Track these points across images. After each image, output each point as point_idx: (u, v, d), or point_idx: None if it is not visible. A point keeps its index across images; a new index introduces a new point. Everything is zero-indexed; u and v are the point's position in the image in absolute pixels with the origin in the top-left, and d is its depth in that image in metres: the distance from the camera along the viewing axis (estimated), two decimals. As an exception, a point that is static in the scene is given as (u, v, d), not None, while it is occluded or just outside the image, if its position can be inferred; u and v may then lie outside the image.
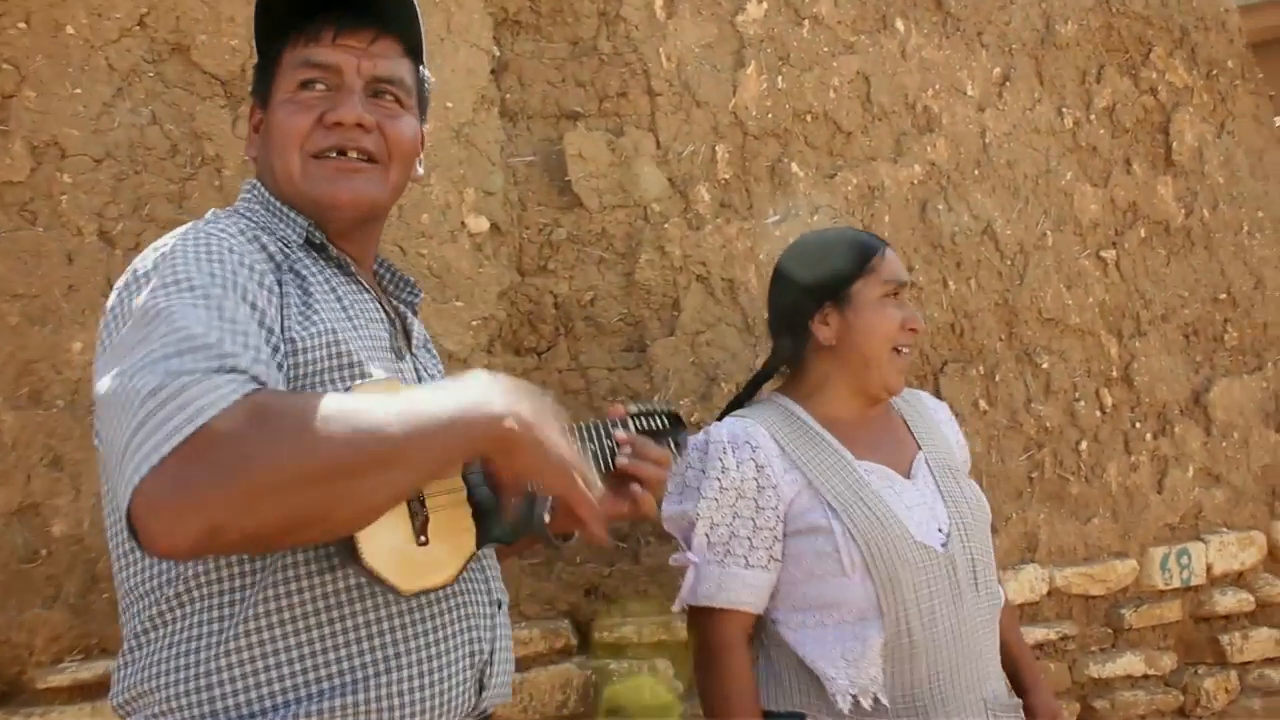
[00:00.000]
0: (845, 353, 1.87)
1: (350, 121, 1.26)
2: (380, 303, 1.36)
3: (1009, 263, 2.85)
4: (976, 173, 2.83)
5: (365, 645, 1.18)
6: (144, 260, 1.18)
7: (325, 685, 1.16)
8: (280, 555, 1.16)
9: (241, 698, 1.14)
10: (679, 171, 2.46)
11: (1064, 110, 3.01)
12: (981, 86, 2.88)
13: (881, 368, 1.86)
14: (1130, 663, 2.79)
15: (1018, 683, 2.00)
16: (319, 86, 1.28)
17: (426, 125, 1.40)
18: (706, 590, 1.81)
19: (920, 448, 1.94)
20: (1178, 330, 3.10)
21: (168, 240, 1.20)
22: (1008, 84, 2.93)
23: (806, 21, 2.65)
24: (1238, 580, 3.04)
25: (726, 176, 2.52)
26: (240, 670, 1.14)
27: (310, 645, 1.16)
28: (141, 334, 1.07)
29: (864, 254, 1.89)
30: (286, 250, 1.26)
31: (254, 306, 1.14)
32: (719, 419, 1.96)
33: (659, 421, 1.52)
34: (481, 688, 1.28)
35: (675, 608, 1.87)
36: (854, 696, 1.74)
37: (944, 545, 1.82)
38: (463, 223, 2.27)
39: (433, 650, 1.21)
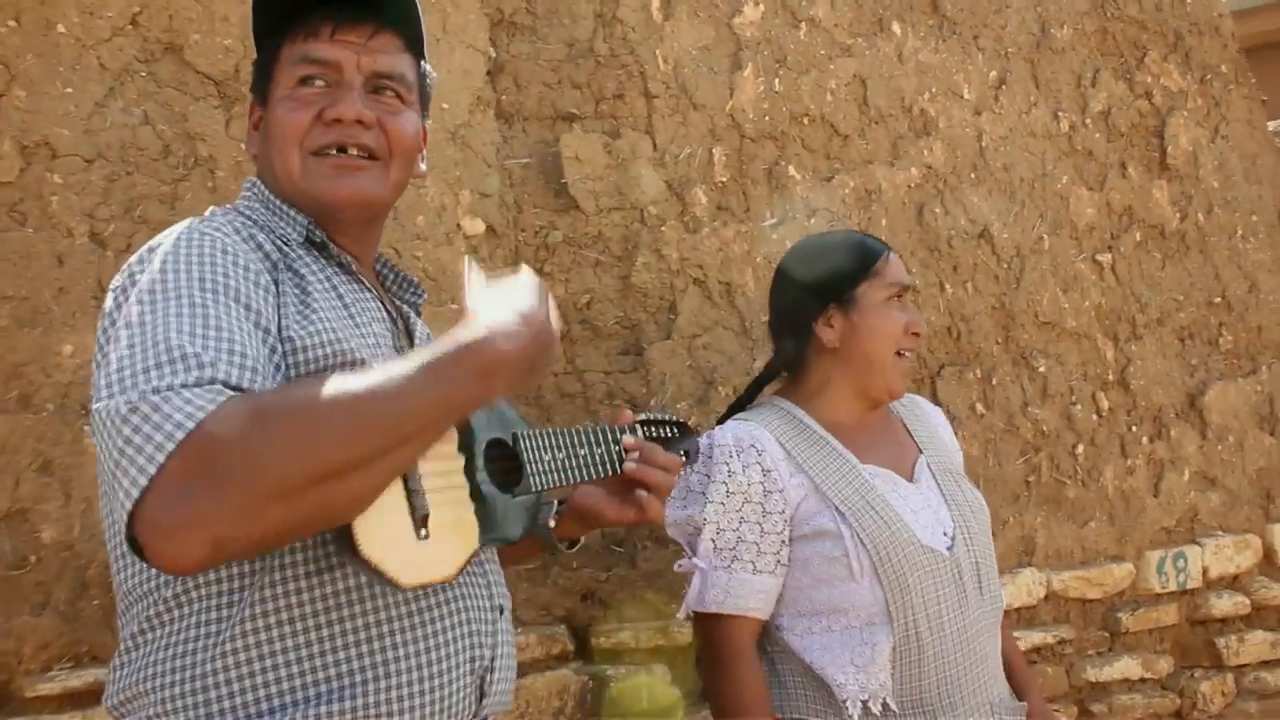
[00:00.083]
0: (849, 355, 1.86)
1: (350, 118, 1.24)
2: (382, 302, 1.34)
3: (1005, 266, 2.84)
4: (973, 176, 2.83)
5: (364, 649, 1.16)
6: (137, 261, 1.17)
7: (323, 689, 1.14)
8: (277, 556, 1.14)
9: (238, 700, 1.12)
10: (676, 174, 2.45)
11: (1060, 114, 3.01)
12: (978, 90, 2.88)
13: (885, 371, 1.85)
14: (1127, 666, 2.78)
15: (1012, 688, 1.99)
16: (318, 83, 1.26)
17: (428, 122, 1.38)
18: (714, 596, 1.79)
19: (921, 451, 1.94)
20: (1173, 334, 3.11)
21: (161, 240, 1.18)
22: (1004, 87, 2.93)
23: (803, 24, 2.64)
24: (1233, 583, 3.04)
25: (723, 179, 2.50)
26: (237, 672, 1.13)
27: (308, 648, 1.14)
28: (123, 344, 1.06)
29: (868, 257, 1.88)
30: (284, 249, 1.24)
31: (249, 308, 1.12)
32: (719, 422, 1.95)
33: (669, 430, 1.50)
34: (482, 694, 1.26)
35: (681, 614, 1.85)
36: (863, 702, 1.72)
37: (949, 549, 1.81)
38: (458, 225, 2.25)
39: (433, 655, 1.19)
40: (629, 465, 1.37)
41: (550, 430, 1.32)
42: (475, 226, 2.27)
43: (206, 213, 1.26)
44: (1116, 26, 3.16)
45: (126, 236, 1.90)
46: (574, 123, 2.41)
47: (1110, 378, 2.96)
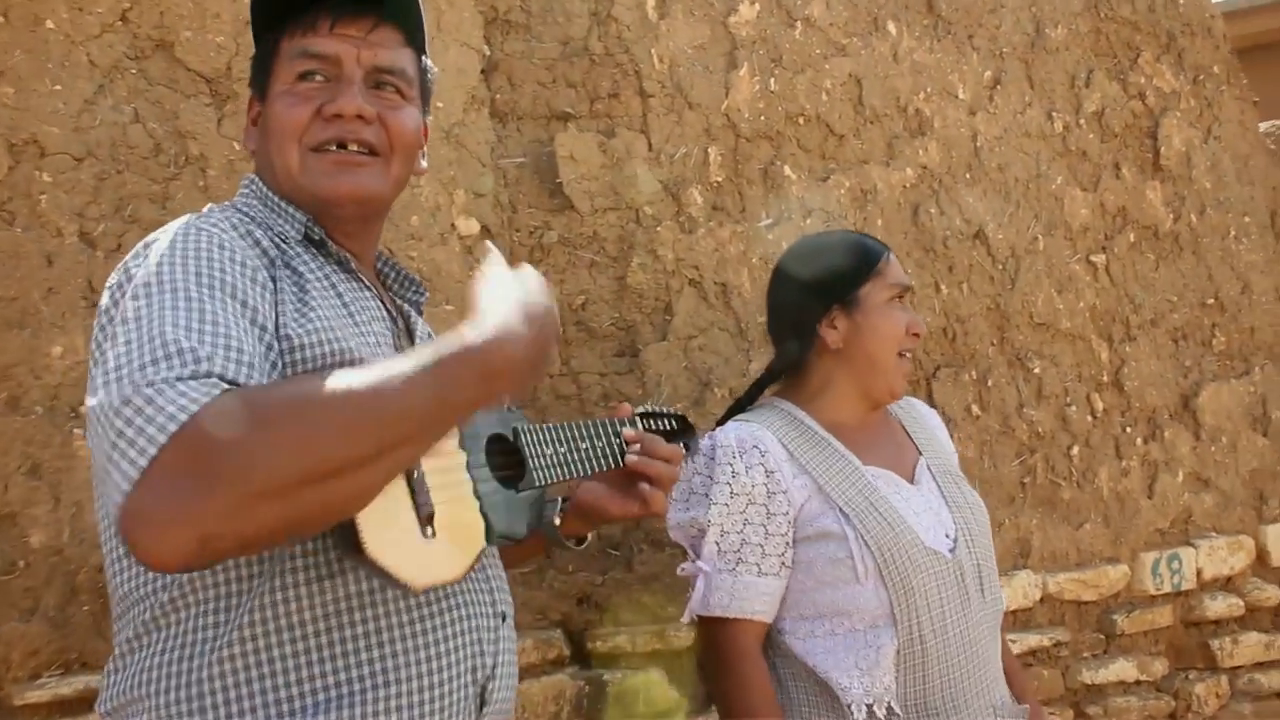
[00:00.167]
0: (853, 357, 1.85)
1: (350, 113, 1.22)
2: (382, 300, 1.32)
3: (1000, 267, 2.84)
4: (968, 176, 2.82)
5: (364, 656, 1.14)
6: (134, 257, 1.15)
7: (321, 697, 1.11)
8: (278, 561, 1.12)
9: (234, 707, 1.10)
10: (671, 174, 2.43)
11: (1054, 114, 3.01)
12: (973, 90, 2.87)
13: (888, 372, 1.84)
14: (1123, 669, 2.78)
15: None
16: (317, 77, 1.24)
17: (429, 118, 1.36)
18: (719, 600, 1.78)
19: (921, 453, 1.93)
20: (1167, 335, 3.11)
21: (158, 236, 1.16)
22: (998, 87, 2.93)
23: (799, 23, 2.63)
24: (1227, 585, 3.04)
25: (719, 179, 2.49)
26: (233, 679, 1.10)
27: (306, 655, 1.12)
28: (119, 340, 1.04)
29: (870, 257, 1.87)
30: (282, 246, 1.22)
31: (245, 304, 1.10)
32: (719, 423, 1.93)
33: (667, 423, 1.48)
34: (483, 703, 1.24)
35: (685, 619, 1.84)
36: (868, 706, 1.71)
37: (952, 551, 1.80)
38: (453, 225, 2.23)
39: (433, 664, 1.17)
40: (631, 458, 1.35)
41: (550, 424, 1.31)
42: (470, 226, 2.24)
43: (204, 209, 1.24)
44: (1110, 27, 3.16)
45: (117, 236, 1.87)
46: (569, 122, 2.39)
47: (1105, 379, 2.96)
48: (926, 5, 2.84)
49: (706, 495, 1.81)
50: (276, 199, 1.26)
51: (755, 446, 1.80)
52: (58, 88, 1.84)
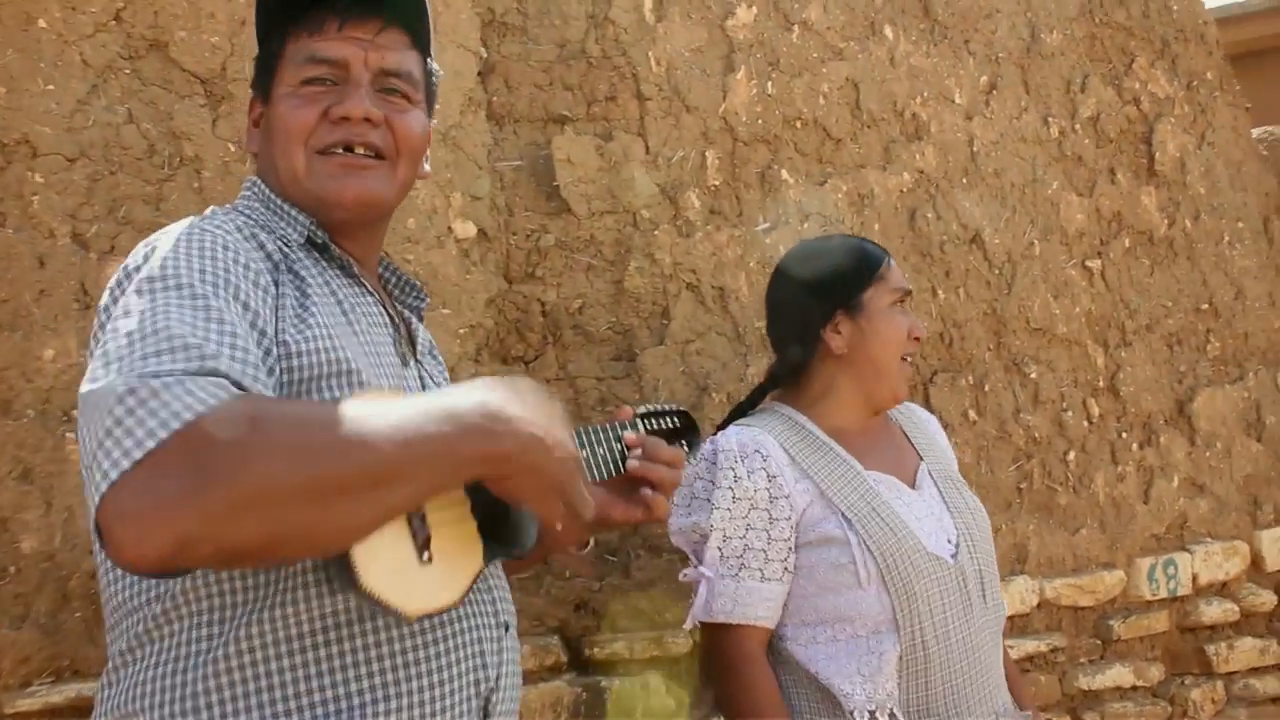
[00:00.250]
0: (857, 361, 1.84)
1: (358, 116, 1.21)
2: (384, 306, 1.30)
3: (997, 272, 2.83)
4: (965, 181, 2.82)
5: (363, 670, 1.11)
6: (135, 257, 1.13)
7: (320, 712, 1.09)
8: (276, 571, 1.09)
9: None
10: (669, 177, 2.42)
11: (1049, 119, 3.01)
12: (969, 94, 2.87)
13: (892, 376, 1.84)
14: (1119, 674, 2.78)
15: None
16: (325, 80, 1.23)
17: (433, 122, 1.34)
18: (722, 606, 1.76)
19: (922, 458, 1.92)
20: (1162, 340, 3.11)
21: (161, 236, 1.14)
22: (994, 92, 2.93)
23: (796, 27, 2.62)
24: (1222, 590, 3.04)
25: (716, 183, 2.48)
26: (230, 693, 1.08)
27: (305, 669, 1.10)
28: (122, 333, 1.01)
29: (872, 262, 1.87)
30: (286, 249, 1.20)
31: (246, 307, 1.08)
32: (720, 428, 1.92)
33: (669, 421, 1.46)
34: (486, 715, 1.22)
35: (688, 625, 1.82)
36: (870, 712, 1.70)
37: (954, 556, 1.79)
38: (449, 228, 2.21)
39: (435, 677, 1.15)
40: (632, 463, 1.33)
41: None
42: (466, 230, 2.23)
43: (207, 211, 1.22)
44: (1105, 33, 3.16)
45: (110, 238, 1.85)
46: (566, 125, 2.38)
47: (1100, 384, 2.96)
48: (923, 10, 2.84)
49: (708, 500, 1.79)
50: (279, 201, 1.24)
51: (757, 451, 1.79)
52: (50, 87, 1.82)
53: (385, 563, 1.04)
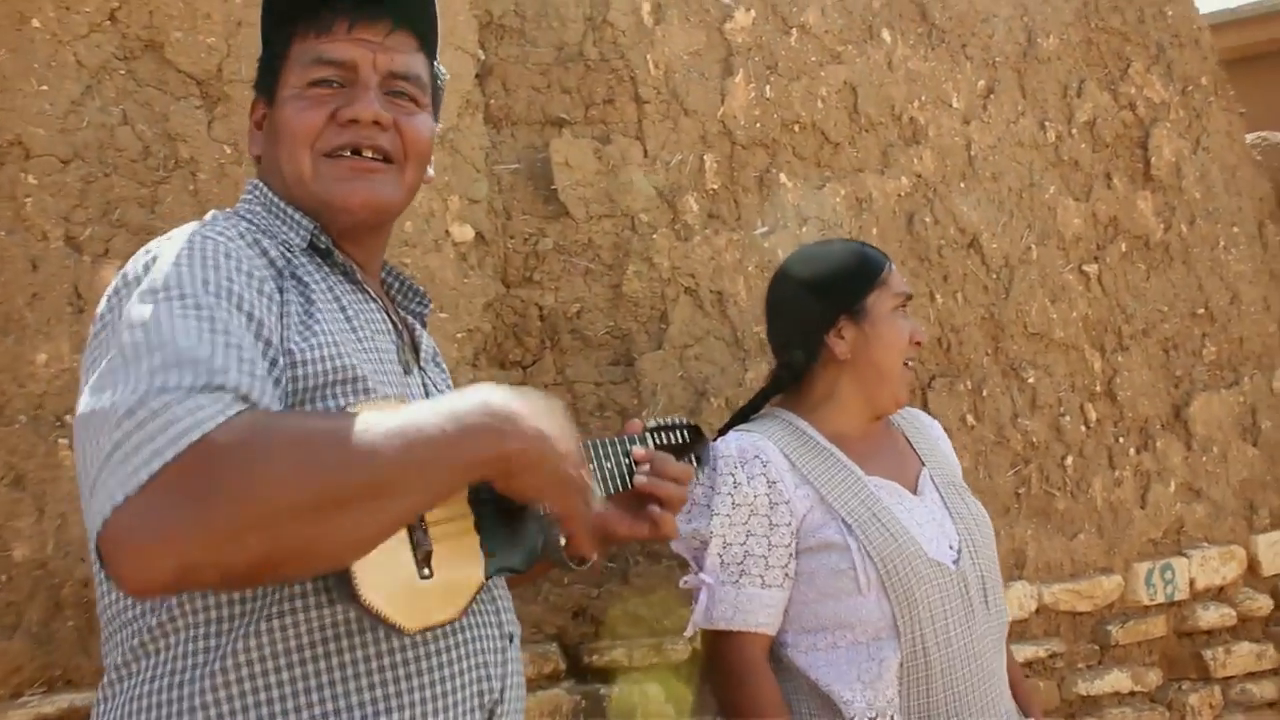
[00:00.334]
0: (860, 366, 1.83)
1: (368, 119, 1.19)
2: (388, 313, 1.28)
3: (994, 276, 2.83)
4: (962, 185, 2.81)
5: (364, 683, 1.09)
6: (135, 264, 1.10)
7: None
8: (273, 588, 1.07)
9: None
10: (667, 181, 2.40)
11: (1046, 124, 3.01)
12: (966, 98, 2.87)
13: (894, 381, 1.83)
14: (1117, 680, 2.77)
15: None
16: (332, 83, 1.21)
17: (439, 125, 1.32)
18: (723, 613, 1.75)
19: (924, 464, 1.91)
20: (1158, 345, 3.11)
21: (162, 244, 1.12)
22: (992, 96, 2.92)
23: (794, 30, 2.61)
24: (1219, 595, 3.04)
25: (714, 186, 2.46)
26: (230, 706, 1.06)
27: (304, 682, 1.07)
28: (124, 347, 0.99)
29: (875, 267, 1.86)
30: (289, 255, 1.18)
31: (251, 316, 1.05)
32: (720, 434, 1.91)
33: (678, 435, 1.44)
34: (490, 727, 1.20)
35: (688, 632, 1.81)
36: (871, 719, 1.68)
37: (956, 562, 1.78)
38: (447, 231, 2.19)
39: (438, 689, 1.13)
40: (639, 479, 1.31)
41: None
42: (464, 233, 2.21)
43: (208, 216, 1.20)
44: (1101, 37, 3.16)
45: (104, 241, 1.82)
46: (564, 128, 2.36)
47: (1098, 389, 2.95)
48: (920, 14, 2.83)
49: (708, 506, 1.78)
50: (282, 205, 1.22)
51: (757, 457, 1.78)
52: (44, 88, 1.79)
53: (385, 577, 1.03)
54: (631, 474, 1.31)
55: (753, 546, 1.75)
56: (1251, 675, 3.00)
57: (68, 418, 1.74)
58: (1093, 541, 2.85)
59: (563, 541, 1.28)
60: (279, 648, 1.07)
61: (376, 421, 0.97)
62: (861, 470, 1.81)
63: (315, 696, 1.07)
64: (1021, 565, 2.73)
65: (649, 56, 2.41)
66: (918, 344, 1.87)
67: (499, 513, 1.18)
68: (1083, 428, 2.90)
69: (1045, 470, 2.81)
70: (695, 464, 1.44)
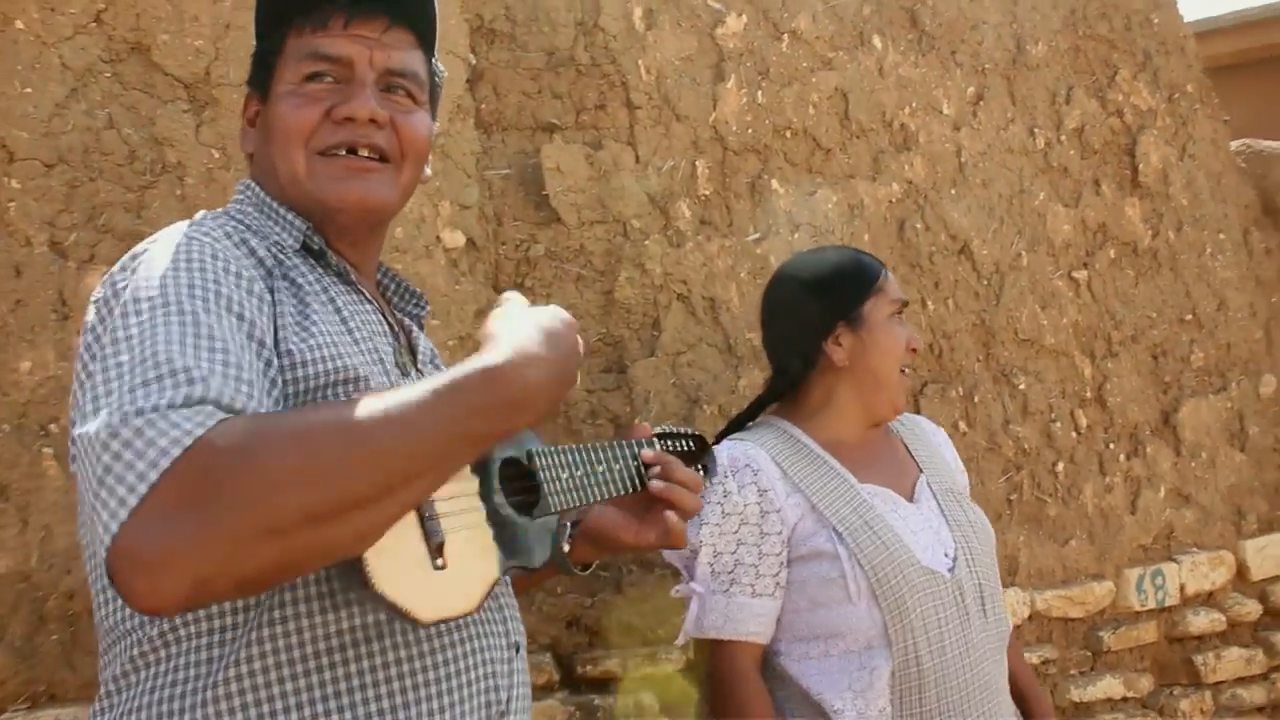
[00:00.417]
0: (858, 374, 1.83)
1: (364, 117, 1.16)
2: (384, 314, 1.25)
3: (985, 283, 2.83)
4: (953, 191, 2.81)
5: (370, 693, 1.07)
6: (120, 270, 1.08)
7: None
8: (277, 591, 1.05)
9: None
10: (659, 186, 2.39)
11: (1035, 130, 3.01)
12: (956, 105, 2.87)
13: (891, 388, 1.83)
14: (1110, 685, 2.77)
15: (1024, 712, 1.95)
16: (327, 79, 1.18)
17: (437, 124, 1.30)
18: (713, 622, 1.74)
19: (922, 471, 1.90)
20: (1147, 351, 3.11)
21: (147, 246, 1.09)
22: (981, 103, 2.92)
23: (785, 36, 2.60)
24: (1209, 600, 3.04)
25: (707, 192, 2.45)
26: (233, 718, 1.03)
27: (309, 692, 1.05)
28: (110, 361, 0.98)
29: (871, 274, 1.86)
30: (279, 256, 1.15)
31: (241, 318, 1.03)
32: (715, 442, 1.89)
33: (684, 444, 1.43)
34: (496, 737, 1.17)
35: (679, 641, 1.79)
36: (862, 729, 1.68)
37: (951, 570, 1.77)
38: (438, 237, 2.17)
39: (446, 699, 1.10)
40: (655, 484, 1.29)
41: (564, 446, 1.24)
42: (455, 239, 2.18)
43: (196, 216, 1.17)
44: (1089, 45, 3.17)
45: (89, 246, 1.79)
46: (555, 133, 2.34)
47: (1088, 395, 2.95)
48: (910, 20, 2.84)
49: (699, 515, 1.76)
50: (275, 205, 1.20)
51: (747, 465, 1.77)
52: (28, 90, 1.76)
53: (398, 567, 1.00)
54: (641, 476, 1.29)
55: (743, 555, 1.74)
56: (1241, 680, 3.00)
57: (52, 427, 1.71)
58: (1084, 548, 2.85)
59: (566, 548, 1.26)
60: (282, 657, 1.05)
61: (376, 409, 0.95)
62: (856, 478, 1.80)
63: (321, 707, 1.05)
64: (1014, 572, 2.72)
65: (640, 62, 2.39)
66: (914, 351, 1.86)
67: (513, 508, 1.16)
68: (1073, 434, 2.90)
69: (1036, 476, 2.81)
70: (703, 474, 1.42)
